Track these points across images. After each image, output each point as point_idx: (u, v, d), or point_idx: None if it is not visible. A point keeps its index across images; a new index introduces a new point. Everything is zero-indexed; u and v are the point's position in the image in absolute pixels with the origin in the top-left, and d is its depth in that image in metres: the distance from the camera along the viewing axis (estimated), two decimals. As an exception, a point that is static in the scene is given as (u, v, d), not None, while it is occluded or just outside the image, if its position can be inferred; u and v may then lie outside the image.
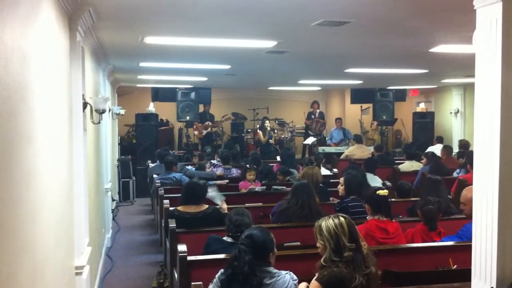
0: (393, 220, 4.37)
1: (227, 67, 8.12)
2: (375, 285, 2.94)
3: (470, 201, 4.08)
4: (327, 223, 2.94)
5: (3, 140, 1.85)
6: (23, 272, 2.10)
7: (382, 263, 3.10)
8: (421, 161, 9.02)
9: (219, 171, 8.39)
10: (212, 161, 9.16)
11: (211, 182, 7.36)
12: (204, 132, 13.32)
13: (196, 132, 13.35)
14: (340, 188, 5.33)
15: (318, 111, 14.22)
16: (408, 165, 9.04)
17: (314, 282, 2.84)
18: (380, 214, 4.31)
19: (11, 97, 1.94)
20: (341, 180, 5.39)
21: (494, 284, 2.47)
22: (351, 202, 5.07)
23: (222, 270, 3.01)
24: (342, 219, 2.96)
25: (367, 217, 4.41)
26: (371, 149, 10.87)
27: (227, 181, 7.79)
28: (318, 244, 2.98)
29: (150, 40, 5.29)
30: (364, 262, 2.88)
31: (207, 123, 13.39)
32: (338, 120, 13.64)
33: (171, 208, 5.33)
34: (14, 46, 1.98)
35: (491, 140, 2.46)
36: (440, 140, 11.51)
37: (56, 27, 3.13)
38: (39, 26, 2.55)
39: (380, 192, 4.45)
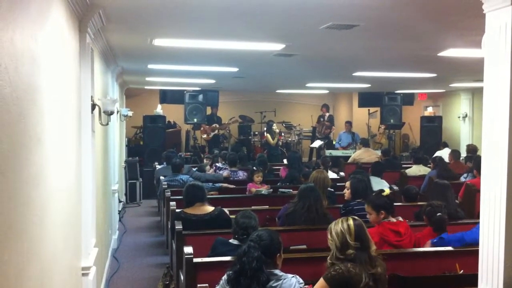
0: (401, 220, 4.35)
1: (235, 69, 8.14)
2: None
3: None
4: (338, 224, 3.06)
5: (13, 141, 1.86)
6: (31, 273, 2.11)
7: (389, 267, 3.10)
8: (429, 165, 8.98)
9: (225, 173, 8.41)
10: (216, 164, 9.18)
11: (218, 185, 7.44)
12: (212, 134, 13.35)
13: (204, 135, 13.37)
14: (346, 192, 5.32)
15: (327, 114, 14.19)
16: (415, 169, 9.00)
17: (320, 279, 2.89)
18: (391, 216, 4.30)
19: (21, 99, 1.96)
20: (347, 184, 5.38)
21: (501, 290, 2.46)
22: (357, 205, 5.07)
23: (229, 271, 3.01)
24: (351, 221, 3.05)
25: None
26: (379, 153, 10.83)
27: (233, 186, 7.79)
28: (328, 243, 3.08)
29: (158, 42, 5.32)
30: (370, 262, 2.91)
31: (214, 125, 13.42)
32: (348, 123, 13.59)
33: (177, 210, 5.34)
34: (24, 48, 2.00)
35: (499, 145, 2.45)
36: (444, 145, 11.47)
37: (66, 29, 3.15)
38: (49, 28, 2.56)
39: (385, 192, 4.41)
